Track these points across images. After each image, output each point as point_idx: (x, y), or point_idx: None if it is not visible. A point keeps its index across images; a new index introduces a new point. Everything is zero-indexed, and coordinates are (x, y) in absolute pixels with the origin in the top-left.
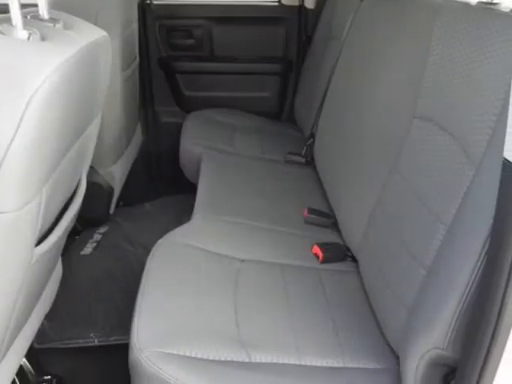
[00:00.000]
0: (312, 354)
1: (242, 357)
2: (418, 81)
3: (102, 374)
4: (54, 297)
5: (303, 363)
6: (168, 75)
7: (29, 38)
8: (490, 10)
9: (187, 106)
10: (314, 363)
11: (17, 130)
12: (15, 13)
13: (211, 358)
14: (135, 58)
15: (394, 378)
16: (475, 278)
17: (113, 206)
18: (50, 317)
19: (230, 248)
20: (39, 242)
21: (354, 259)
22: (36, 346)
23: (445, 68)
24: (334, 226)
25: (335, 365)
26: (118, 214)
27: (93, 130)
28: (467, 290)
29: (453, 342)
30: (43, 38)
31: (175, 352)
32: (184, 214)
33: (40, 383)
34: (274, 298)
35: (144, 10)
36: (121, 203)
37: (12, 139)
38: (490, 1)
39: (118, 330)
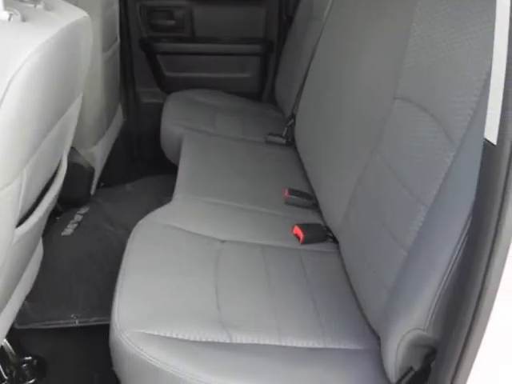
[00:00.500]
0: (293, 335)
1: (222, 338)
2: (398, 62)
3: (82, 354)
4: (34, 277)
5: (284, 344)
6: (149, 56)
7: (10, 19)
8: None
9: (168, 87)
10: (294, 344)
11: None
12: None
13: (192, 338)
14: (116, 38)
15: (375, 359)
16: (456, 258)
17: (93, 186)
18: (30, 297)
19: (211, 229)
20: (20, 222)
21: (335, 240)
22: (17, 326)
23: (426, 49)
24: (315, 206)
25: (316, 346)
26: (98, 195)
27: (73, 110)
28: (448, 271)
29: (434, 323)
30: (24, 19)
31: (156, 333)
32: (165, 195)
33: (21, 364)
34: (254, 278)
35: None
36: (101, 184)
37: None
38: None
39: (98, 311)
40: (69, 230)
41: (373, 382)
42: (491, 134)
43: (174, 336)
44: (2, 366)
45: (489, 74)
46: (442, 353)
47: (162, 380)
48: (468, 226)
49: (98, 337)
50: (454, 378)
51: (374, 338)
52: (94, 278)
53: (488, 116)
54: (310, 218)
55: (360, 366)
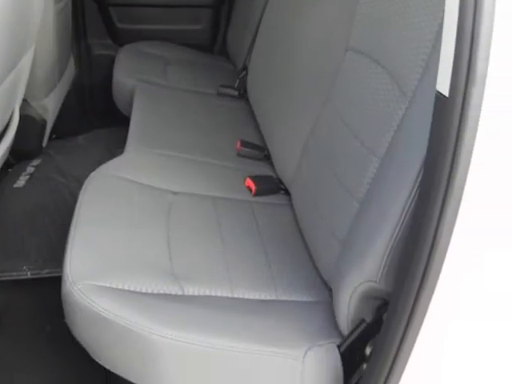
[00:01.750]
0: (245, 287)
1: (174, 290)
2: (351, 13)
3: (35, 306)
4: None
5: (236, 296)
6: (101, 8)
7: None
8: None
9: (120, 39)
10: (246, 296)
11: None
12: None
13: (144, 290)
14: None
15: (327, 311)
16: (408, 210)
17: (45, 138)
18: None
19: (163, 181)
20: None
21: (287, 192)
22: None
23: (378, 0)
24: (267, 158)
25: (268, 297)
26: (50, 147)
27: (26, 62)
28: (400, 222)
29: (386, 275)
30: None
31: (108, 285)
32: (117, 147)
33: None
34: (206, 230)
35: None
36: (53, 136)
37: None
38: None
39: (50, 263)
40: (21, 181)
41: (325, 334)
42: (443, 85)
43: (126, 288)
44: None
45: (441, 26)
46: (393, 305)
47: (114, 332)
48: (420, 178)
49: (50, 289)
50: (406, 329)
51: (326, 290)
52: (46, 229)
53: (440, 68)
54: (262, 170)
55: (312, 317)
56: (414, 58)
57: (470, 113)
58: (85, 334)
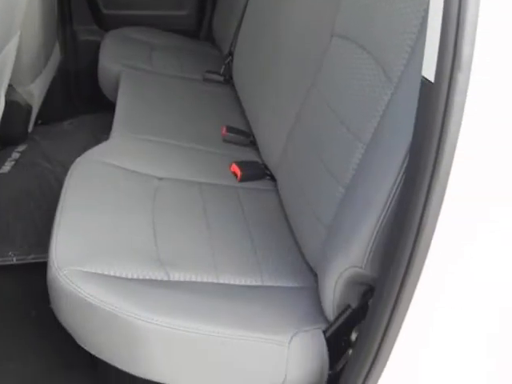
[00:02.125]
0: (230, 273)
1: (160, 275)
2: None
3: (20, 292)
4: None
5: (221, 281)
6: None
7: None
8: None
9: (106, 25)
10: (232, 281)
11: None
12: None
13: (130, 276)
14: None
15: (313, 297)
16: (393, 196)
17: (31, 124)
18: None
19: (149, 166)
20: None
21: (273, 178)
22: None
23: None
24: (253, 144)
25: (253, 283)
26: (36, 133)
27: (11, 48)
28: (385, 208)
29: (371, 261)
30: None
31: (93, 270)
32: (102, 133)
33: None
34: (192, 216)
35: None
36: (39, 121)
37: None
38: None
39: (36, 249)
40: (6, 167)
41: (310, 320)
42: (429, 71)
43: (112, 274)
44: None
45: (426, 12)
46: (379, 291)
47: (100, 317)
48: (405, 164)
49: (36, 274)
50: (391, 315)
51: (312, 276)
52: (31, 215)
53: (425, 54)
54: (248, 155)
55: (297, 303)
56: (400, 44)
57: (456, 98)
58: (70, 319)
